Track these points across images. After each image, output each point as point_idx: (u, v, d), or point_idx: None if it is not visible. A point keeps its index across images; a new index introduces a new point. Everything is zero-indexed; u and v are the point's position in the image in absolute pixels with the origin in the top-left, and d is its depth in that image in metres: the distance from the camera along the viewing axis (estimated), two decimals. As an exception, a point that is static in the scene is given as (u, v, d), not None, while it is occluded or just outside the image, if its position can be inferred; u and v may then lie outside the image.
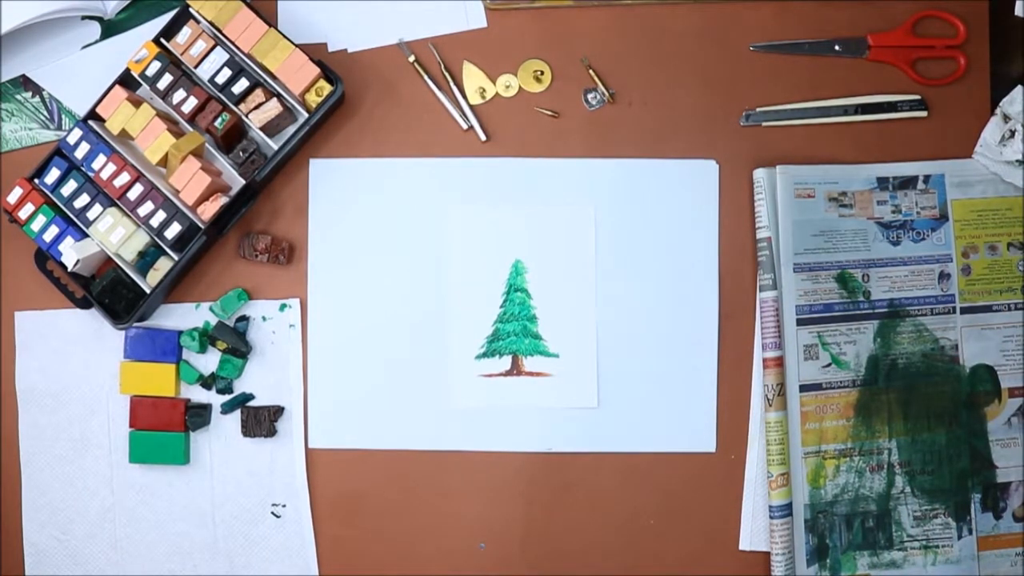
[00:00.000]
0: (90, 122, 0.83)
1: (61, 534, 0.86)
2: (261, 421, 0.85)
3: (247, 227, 0.86)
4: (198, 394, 0.86)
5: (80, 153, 0.82)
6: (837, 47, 0.87)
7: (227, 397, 0.86)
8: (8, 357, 0.86)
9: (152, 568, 0.86)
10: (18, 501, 0.86)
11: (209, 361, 0.86)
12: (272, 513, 0.86)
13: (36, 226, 0.82)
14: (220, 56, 0.82)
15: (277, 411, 0.85)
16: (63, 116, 0.87)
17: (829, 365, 0.84)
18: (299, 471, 0.86)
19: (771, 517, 0.83)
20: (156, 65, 0.82)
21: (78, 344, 0.86)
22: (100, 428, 0.86)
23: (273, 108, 0.81)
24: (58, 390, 0.86)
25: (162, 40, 0.83)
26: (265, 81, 0.83)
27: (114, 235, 0.81)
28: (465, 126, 0.86)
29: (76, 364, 0.86)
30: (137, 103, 0.82)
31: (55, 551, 0.86)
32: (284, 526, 0.86)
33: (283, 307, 0.86)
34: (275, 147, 0.83)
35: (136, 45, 0.83)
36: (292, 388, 0.86)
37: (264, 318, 0.86)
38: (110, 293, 0.83)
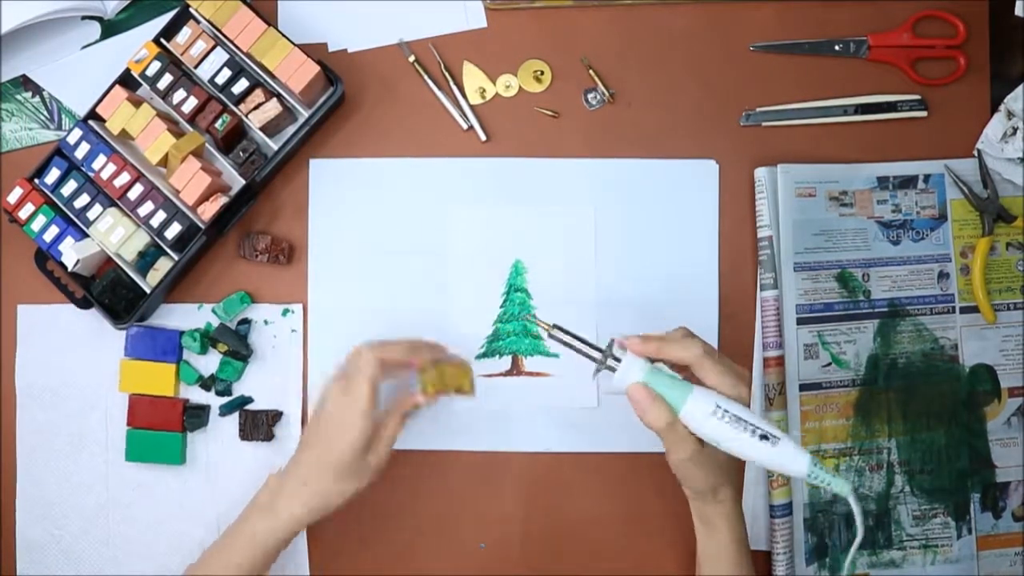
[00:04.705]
0: (90, 122, 0.83)
1: (55, 529, 0.86)
2: (259, 425, 0.85)
3: (247, 227, 0.86)
4: (197, 395, 0.86)
5: (80, 153, 0.82)
6: (837, 47, 0.87)
7: (226, 399, 0.86)
8: (8, 352, 0.86)
9: (145, 566, 0.86)
10: (12, 495, 0.86)
11: (209, 362, 0.86)
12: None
13: (36, 226, 0.82)
14: (220, 56, 0.82)
15: (275, 415, 0.85)
16: (63, 116, 0.87)
17: (829, 364, 0.84)
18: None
19: (772, 516, 0.83)
20: (156, 65, 0.82)
21: (79, 340, 0.86)
22: (98, 425, 0.86)
23: (273, 108, 0.81)
24: (57, 385, 0.86)
25: (162, 40, 0.83)
26: (265, 81, 0.83)
27: (114, 235, 0.81)
28: (465, 126, 0.86)
29: (76, 360, 0.86)
30: (137, 103, 0.82)
31: (48, 546, 0.86)
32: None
33: (286, 312, 0.86)
34: (275, 147, 0.83)
35: (136, 45, 0.83)
36: (291, 393, 0.86)
37: (266, 322, 0.86)
38: (110, 293, 0.83)
